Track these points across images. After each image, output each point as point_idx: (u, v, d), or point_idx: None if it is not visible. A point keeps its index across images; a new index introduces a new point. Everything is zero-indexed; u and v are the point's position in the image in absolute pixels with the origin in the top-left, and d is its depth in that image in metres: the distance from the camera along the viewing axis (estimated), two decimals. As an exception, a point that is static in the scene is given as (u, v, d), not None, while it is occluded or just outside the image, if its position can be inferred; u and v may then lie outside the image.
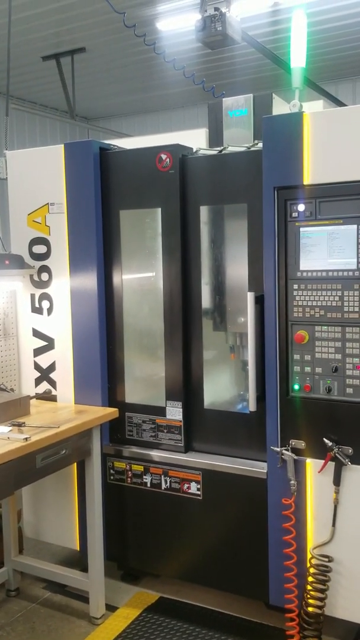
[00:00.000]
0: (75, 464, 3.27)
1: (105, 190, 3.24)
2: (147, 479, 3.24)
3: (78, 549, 3.42)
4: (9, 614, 3.22)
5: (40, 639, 3.01)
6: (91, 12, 6.18)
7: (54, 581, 3.38)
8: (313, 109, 2.94)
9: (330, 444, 2.67)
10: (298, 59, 2.87)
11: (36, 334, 3.42)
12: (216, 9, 3.88)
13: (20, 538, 3.58)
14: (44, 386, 3.42)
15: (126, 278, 3.28)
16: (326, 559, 2.72)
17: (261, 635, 2.97)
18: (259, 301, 2.83)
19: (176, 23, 6.33)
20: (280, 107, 3.20)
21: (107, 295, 3.29)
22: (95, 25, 6.53)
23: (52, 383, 3.40)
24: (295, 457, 2.76)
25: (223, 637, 2.96)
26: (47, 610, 3.24)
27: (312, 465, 2.76)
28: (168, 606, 3.22)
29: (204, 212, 3.08)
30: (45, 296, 3.38)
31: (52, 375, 3.39)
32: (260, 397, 2.86)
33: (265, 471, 2.88)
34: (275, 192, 2.75)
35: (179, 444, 3.18)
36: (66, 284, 3.30)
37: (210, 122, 3.35)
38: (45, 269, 3.36)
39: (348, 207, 2.62)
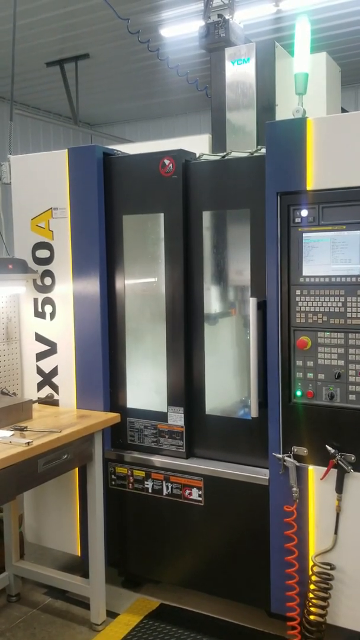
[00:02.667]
0: (77, 469, 3.26)
1: (109, 195, 3.25)
2: (149, 484, 3.22)
3: (79, 554, 3.41)
4: (10, 619, 3.20)
5: (41, 645, 2.99)
6: (95, 19, 6.22)
7: (54, 587, 3.37)
8: (316, 61, 2.94)
9: (332, 451, 2.66)
10: (302, 65, 2.88)
11: (39, 338, 3.42)
12: (219, 15, 3.90)
13: (21, 543, 3.57)
14: (46, 390, 3.42)
15: (129, 283, 3.28)
16: (328, 567, 2.71)
17: (262, 643, 2.96)
18: (262, 307, 2.83)
19: (180, 30, 6.36)
20: (283, 60, 3.23)
21: (110, 300, 3.29)
22: (99, 32, 6.56)
23: (55, 387, 3.39)
24: (298, 464, 2.75)
25: (224, 644, 2.94)
26: (48, 616, 3.23)
27: (314, 472, 2.74)
28: (169, 613, 3.21)
29: (206, 217, 3.08)
30: (48, 301, 3.38)
31: (55, 380, 3.39)
32: (262, 404, 2.85)
33: (267, 478, 2.87)
34: (278, 197, 2.75)
35: (181, 450, 3.17)
36: (69, 289, 3.30)
37: (212, 73, 3.35)
38: (48, 273, 3.36)
39: (351, 212, 2.62)
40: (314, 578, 2.71)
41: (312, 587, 2.71)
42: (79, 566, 3.58)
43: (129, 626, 3.09)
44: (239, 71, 3.29)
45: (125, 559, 3.36)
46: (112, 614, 3.20)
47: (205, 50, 4.05)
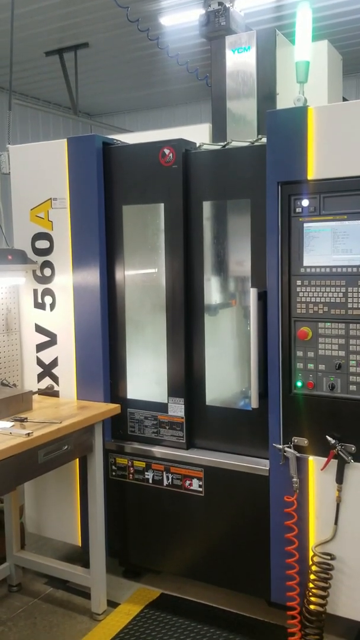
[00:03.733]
0: (77, 459, 3.26)
1: (108, 186, 3.23)
2: (149, 475, 3.23)
3: (80, 544, 3.42)
4: (11, 609, 3.22)
5: (42, 634, 3.01)
6: (94, 7, 6.16)
7: (55, 577, 3.38)
8: (317, 49, 2.92)
9: (333, 441, 2.66)
10: (303, 53, 2.85)
11: (39, 329, 3.41)
12: (220, 3, 3.85)
13: (22, 533, 3.58)
14: (47, 382, 3.41)
15: (129, 274, 3.27)
16: (328, 557, 2.71)
17: (262, 632, 2.97)
18: (262, 297, 2.82)
19: (179, 18, 6.31)
20: (284, 48, 3.20)
21: (110, 291, 3.28)
22: (99, 20, 6.51)
23: (55, 379, 3.39)
24: (298, 455, 2.75)
25: (224, 634, 2.95)
26: (49, 606, 3.24)
27: (314, 462, 2.74)
28: (169, 603, 3.22)
29: (207, 207, 3.07)
30: (47, 292, 3.37)
31: (55, 371, 3.38)
32: (263, 394, 2.85)
33: (268, 468, 2.87)
34: (279, 187, 2.73)
35: (181, 441, 3.17)
36: (69, 280, 3.29)
37: (212, 62, 3.31)
38: (48, 264, 3.35)
39: (353, 202, 2.60)
40: (314, 568, 2.72)
41: (312, 577, 2.72)
42: (80, 556, 3.59)
43: (129, 616, 3.11)
44: (240, 60, 3.26)
45: (125, 549, 3.37)
46: (112, 604, 3.21)
47: (205, 38, 4.01)
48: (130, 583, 3.41)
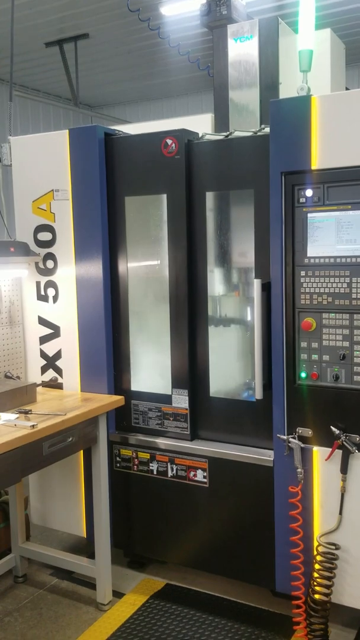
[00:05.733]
0: (82, 451, 3.27)
1: (110, 177, 3.21)
2: (153, 466, 3.23)
3: (85, 536, 3.43)
4: (17, 600, 3.23)
5: (48, 624, 3.02)
6: (95, -3, 6.11)
7: (61, 568, 3.40)
8: (320, 38, 2.89)
9: (337, 432, 2.66)
10: (306, 41, 2.82)
11: (42, 321, 3.41)
12: (221, -8, 3.82)
13: (27, 525, 3.59)
14: (50, 374, 3.41)
15: (132, 265, 3.26)
16: (333, 547, 2.72)
17: (267, 622, 2.98)
18: (266, 288, 2.81)
19: (180, 8, 6.24)
20: (287, 37, 3.18)
21: (113, 283, 3.27)
22: (99, 11, 6.45)
23: (58, 371, 3.39)
24: (302, 445, 2.75)
25: (229, 623, 2.96)
26: (55, 597, 3.26)
27: (319, 453, 2.74)
28: (174, 593, 3.23)
29: (210, 198, 3.05)
30: (50, 284, 3.36)
31: (58, 363, 3.38)
32: (267, 385, 2.85)
33: (272, 459, 2.87)
34: (283, 177, 2.71)
35: (185, 432, 3.17)
36: (71, 272, 3.28)
37: (214, 51, 3.29)
38: (50, 256, 3.34)
39: (357, 192, 2.58)
40: (318, 558, 2.73)
41: (316, 566, 2.72)
42: (85, 547, 3.61)
43: (135, 606, 3.12)
44: (242, 49, 3.23)
45: (130, 540, 3.38)
46: (118, 594, 3.23)
47: (206, 28, 3.98)
48: (135, 573, 3.43)
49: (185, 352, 3.13)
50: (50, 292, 3.37)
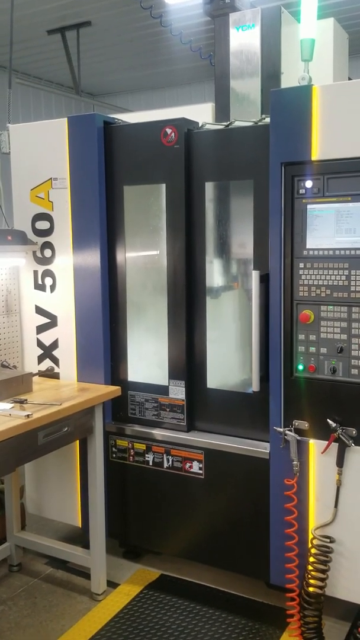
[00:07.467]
0: (78, 441, 3.26)
1: (109, 166, 3.19)
2: (149, 457, 3.23)
3: (80, 525, 3.43)
4: (11, 588, 3.24)
5: (42, 614, 3.03)
6: (97, -16, 6.06)
7: (55, 557, 3.40)
8: (323, 27, 2.87)
9: (334, 425, 2.65)
10: (308, 30, 2.79)
11: (39, 311, 3.40)
12: (224, -20, 3.77)
13: (22, 514, 3.60)
14: (47, 363, 3.40)
15: (130, 255, 3.24)
16: (328, 540, 2.71)
17: (261, 614, 2.98)
18: (264, 280, 2.79)
19: (183, -5, 6.18)
20: (289, 26, 3.15)
21: (111, 273, 3.26)
22: (102, -2, 6.40)
23: (55, 360, 3.38)
24: (299, 438, 2.74)
25: (223, 615, 2.97)
26: (49, 586, 3.26)
27: (315, 446, 2.73)
28: (169, 584, 3.24)
29: (209, 188, 3.03)
30: (48, 273, 3.35)
31: (55, 353, 3.37)
32: (264, 377, 2.84)
33: (268, 451, 2.86)
34: (283, 168, 2.69)
35: (182, 423, 3.16)
36: (69, 261, 3.26)
37: (216, 40, 3.27)
38: (48, 245, 3.32)
39: (357, 183, 2.56)
40: (313, 551, 2.73)
41: (311, 559, 2.72)
42: (80, 537, 3.61)
43: (129, 596, 3.12)
44: (244, 38, 3.20)
45: (126, 531, 3.38)
46: (112, 584, 3.23)
47: (209, 16, 3.93)
48: (130, 564, 3.43)
49: (182, 343, 3.11)
50: (48, 281, 3.35)
